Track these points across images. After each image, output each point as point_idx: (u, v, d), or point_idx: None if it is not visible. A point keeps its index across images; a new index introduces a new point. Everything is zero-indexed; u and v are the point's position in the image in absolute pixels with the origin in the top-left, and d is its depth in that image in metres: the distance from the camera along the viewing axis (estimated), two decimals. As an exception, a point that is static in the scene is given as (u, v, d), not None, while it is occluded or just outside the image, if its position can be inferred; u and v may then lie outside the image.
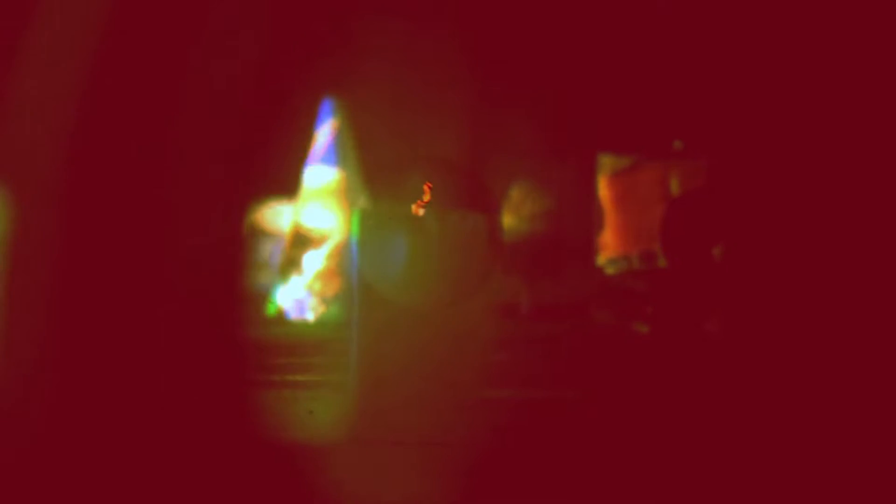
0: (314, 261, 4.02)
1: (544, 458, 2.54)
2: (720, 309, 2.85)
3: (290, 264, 4.04)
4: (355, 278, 2.92)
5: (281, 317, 3.97)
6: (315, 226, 4.07)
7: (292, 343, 3.67)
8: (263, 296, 4.16)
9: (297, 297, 3.97)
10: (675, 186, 3.87)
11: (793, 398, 2.41)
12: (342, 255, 3.94)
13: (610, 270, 4.03)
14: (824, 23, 2.37)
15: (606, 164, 4.03)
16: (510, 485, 2.38)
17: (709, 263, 3.64)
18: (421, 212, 2.90)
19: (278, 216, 4.44)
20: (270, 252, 4.43)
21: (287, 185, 4.15)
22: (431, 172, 2.96)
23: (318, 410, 2.86)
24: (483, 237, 2.92)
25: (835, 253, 2.38)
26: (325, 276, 3.98)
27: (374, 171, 3.97)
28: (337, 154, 4.12)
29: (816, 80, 2.39)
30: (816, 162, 2.38)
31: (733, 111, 2.51)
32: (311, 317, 3.94)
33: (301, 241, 4.06)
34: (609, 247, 4.04)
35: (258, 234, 4.48)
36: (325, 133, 4.14)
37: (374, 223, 2.92)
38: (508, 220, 4.33)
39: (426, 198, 2.90)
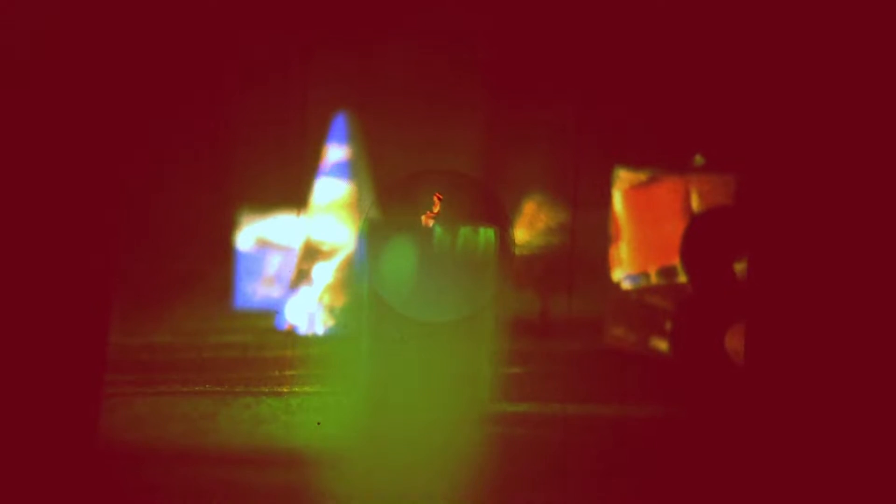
0: (325, 273, 4.00)
1: (558, 476, 2.50)
2: (744, 327, 2.80)
3: (301, 277, 4.02)
4: (365, 290, 2.89)
5: (291, 329, 3.96)
6: (326, 239, 4.06)
7: (302, 355, 3.66)
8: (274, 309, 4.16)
9: (308, 309, 3.95)
10: (695, 201, 3.82)
11: (819, 416, 2.36)
12: (352, 268, 3.92)
13: (627, 286, 3.97)
14: (855, 37, 2.34)
15: (623, 178, 3.98)
16: (521, 501, 2.35)
17: (732, 280, 3.59)
18: (431, 224, 2.87)
19: (289, 229, 4.44)
20: (280, 265, 4.43)
21: (298, 198, 4.15)
22: (442, 184, 2.93)
23: (326, 422, 2.84)
24: (494, 250, 2.89)
25: (863, 270, 2.33)
26: (335, 288, 3.96)
27: (385, 183, 3.95)
28: (349, 167, 4.11)
29: (846, 95, 2.35)
30: (844, 177, 2.34)
31: (759, 126, 2.46)
32: (321, 329, 3.92)
33: (312, 253, 4.05)
34: (626, 261, 3.99)
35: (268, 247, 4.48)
36: (337, 147, 4.14)
37: (384, 235, 2.89)
38: (522, 234, 4.30)
39: (436, 210, 2.87)
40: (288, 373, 3.34)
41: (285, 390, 3.12)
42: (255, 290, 4.38)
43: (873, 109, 2.32)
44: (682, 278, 3.81)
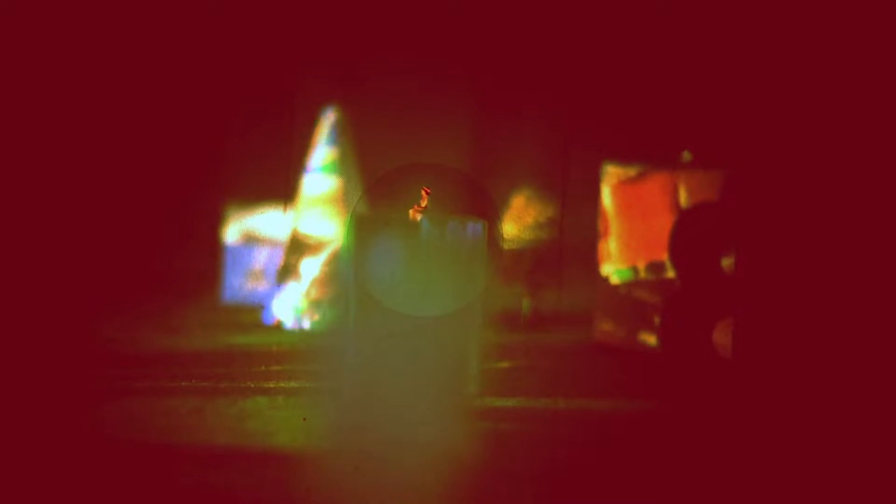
0: (311, 268, 3.99)
1: (546, 470, 2.50)
2: (731, 320, 2.81)
3: (288, 271, 4.02)
4: (351, 285, 2.88)
5: (278, 324, 3.95)
6: (313, 233, 4.05)
7: (288, 350, 3.65)
8: (260, 303, 4.16)
9: (295, 304, 3.94)
10: (683, 196, 3.82)
11: (805, 408, 2.37)
12: (339, 262, 3.91)
13: (615, 280, 3.98)
14: (840, 35, 2.34)
15: (611, 173, 3.98)
16: (509, 496, 2.34)
17: (719, 274, 3.60)
18: (419, 218, 2.86)
19: (276, 223, 4.43)
20: (267, 259, 4.43)
21: (285, 192, 4.15)
22: (430, 178, 2.92)
23: (312, 417, 2.83)
24: (482, 244, 2.88)
25: (848, 264, 2.33)
26: (322, 283, 3.95)
27: (373, 177, 3.95)
28: (336, 162, 4.10)
29: (832, 92, 2.35)
30: (830, 173, 2.34)
31: (746, 123, 2.47)
32: (307, 324, 3.92)
33: (299, 247, 4.04)
34: (615, 256, 3.99)
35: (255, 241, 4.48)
36: (325, 140, 4.13)
37: (372, 229, 2.88)
38: (511, 228, 4.30)
39: (424, 204, 2.86)
40: (274, 368, 3.33)
41: (271, 385, 3.11)
42: (241, 284, 4.38)
43: (858, 107, 2.32)
44: (671, 273, 3.82)
